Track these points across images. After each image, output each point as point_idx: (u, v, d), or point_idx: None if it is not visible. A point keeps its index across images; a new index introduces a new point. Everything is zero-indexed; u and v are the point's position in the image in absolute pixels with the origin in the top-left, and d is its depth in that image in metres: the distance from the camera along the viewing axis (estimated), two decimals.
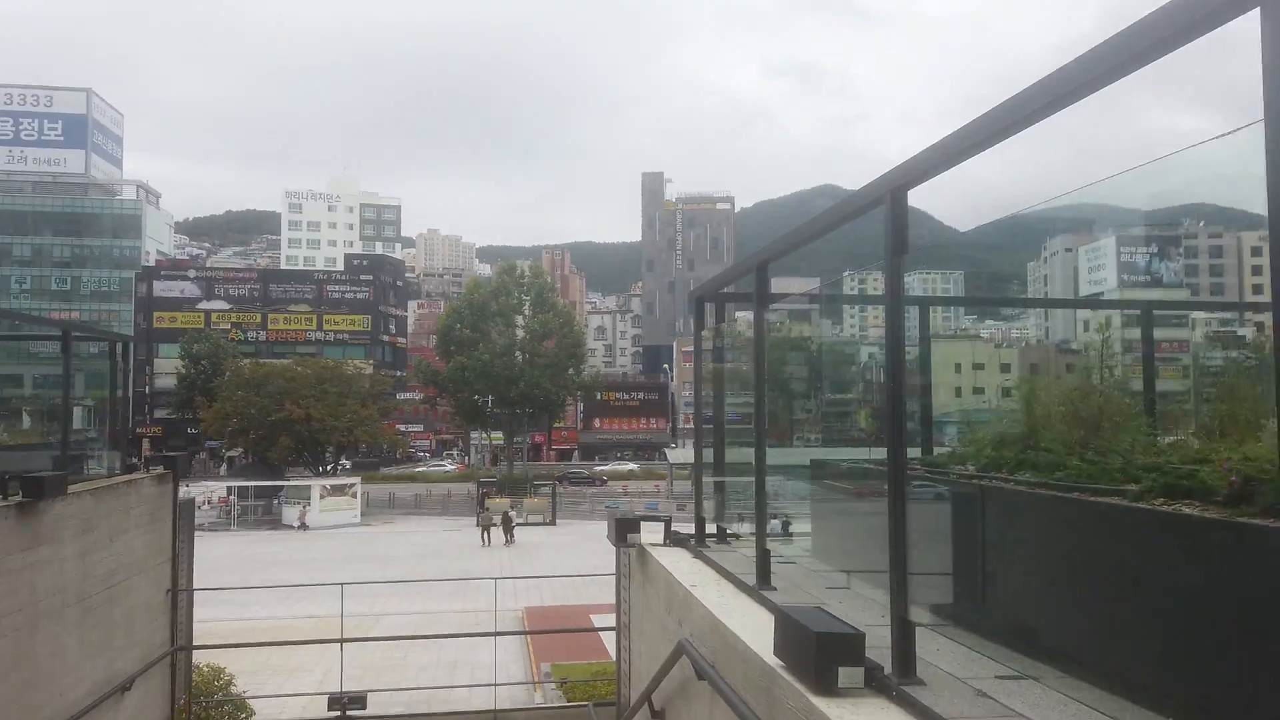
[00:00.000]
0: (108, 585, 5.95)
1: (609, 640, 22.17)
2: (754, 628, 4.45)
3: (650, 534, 8.13)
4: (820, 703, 3.33)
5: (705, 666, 4.81)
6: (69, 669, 5.61)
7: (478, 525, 43.80)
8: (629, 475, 77.61)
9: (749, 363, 6.47)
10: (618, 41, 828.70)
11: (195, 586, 7.20)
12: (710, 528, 7.50)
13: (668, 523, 7.91)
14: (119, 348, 8.09)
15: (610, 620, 23.55)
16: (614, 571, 9.24)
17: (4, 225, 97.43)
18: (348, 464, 73.54)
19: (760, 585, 5.30)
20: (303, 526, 48.30)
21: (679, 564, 6.59)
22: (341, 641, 6.80)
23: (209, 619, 25.83)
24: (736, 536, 7.15)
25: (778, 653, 3.84)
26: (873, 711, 3.25)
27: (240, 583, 32.14)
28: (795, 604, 4.14)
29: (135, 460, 7.03)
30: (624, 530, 8.15)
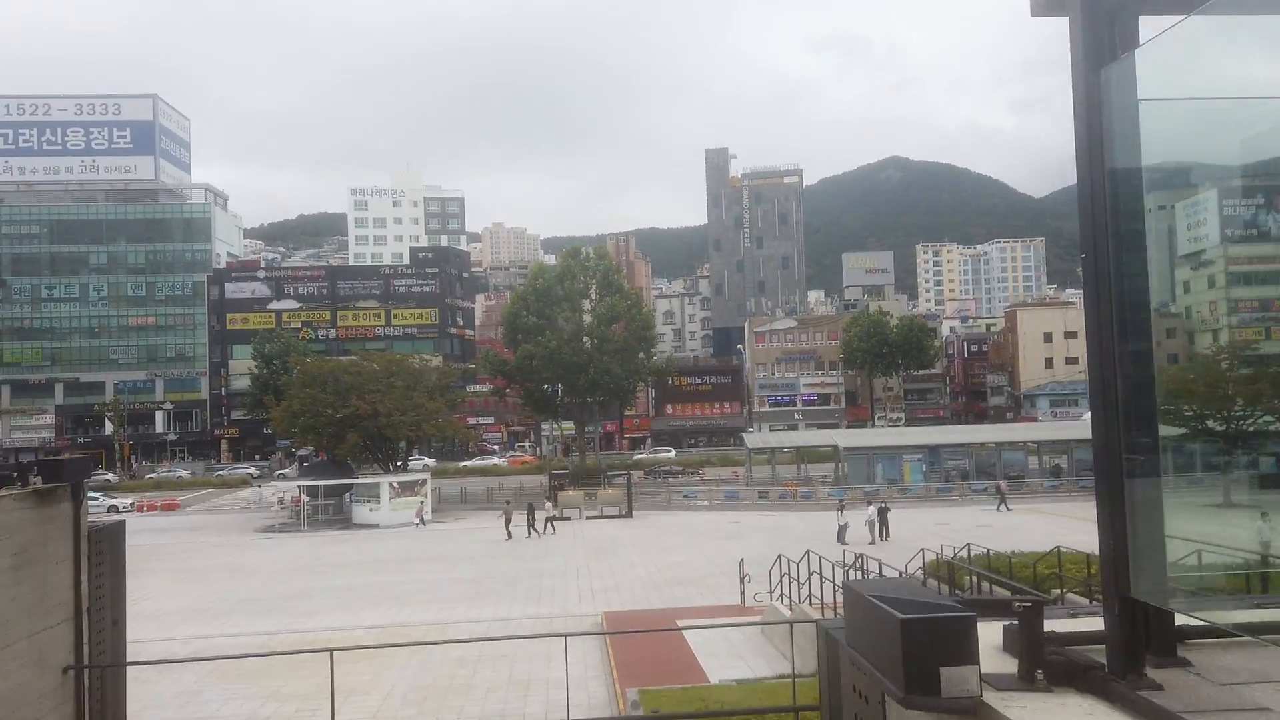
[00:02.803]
0: None
1: (701, 654, 19.65)
2: None
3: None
4: None
5: None
6: None
7: (504, 518, 41.45)
8: (700, 463, 74.93)
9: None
10: (669, 24, 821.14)
11: (128, 658, 4.76)
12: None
13: (1026, 610, 3.90)
14: None
15: (700, 629, 20.94)
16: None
17: (80, 234, 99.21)
18: (424, 460, 72.50)
19: None
20: (421, 523, 47.04)
21: None
22: (331, 651, 4.00)
23: (266, 631, 24.26)
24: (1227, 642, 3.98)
25: None
26: None
27: (302, 591, 30.58)
28: None
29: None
30: (925, 661, 3.46)
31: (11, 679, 4.03)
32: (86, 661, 4.56)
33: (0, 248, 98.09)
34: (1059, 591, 14.37)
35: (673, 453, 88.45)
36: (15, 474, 4.41)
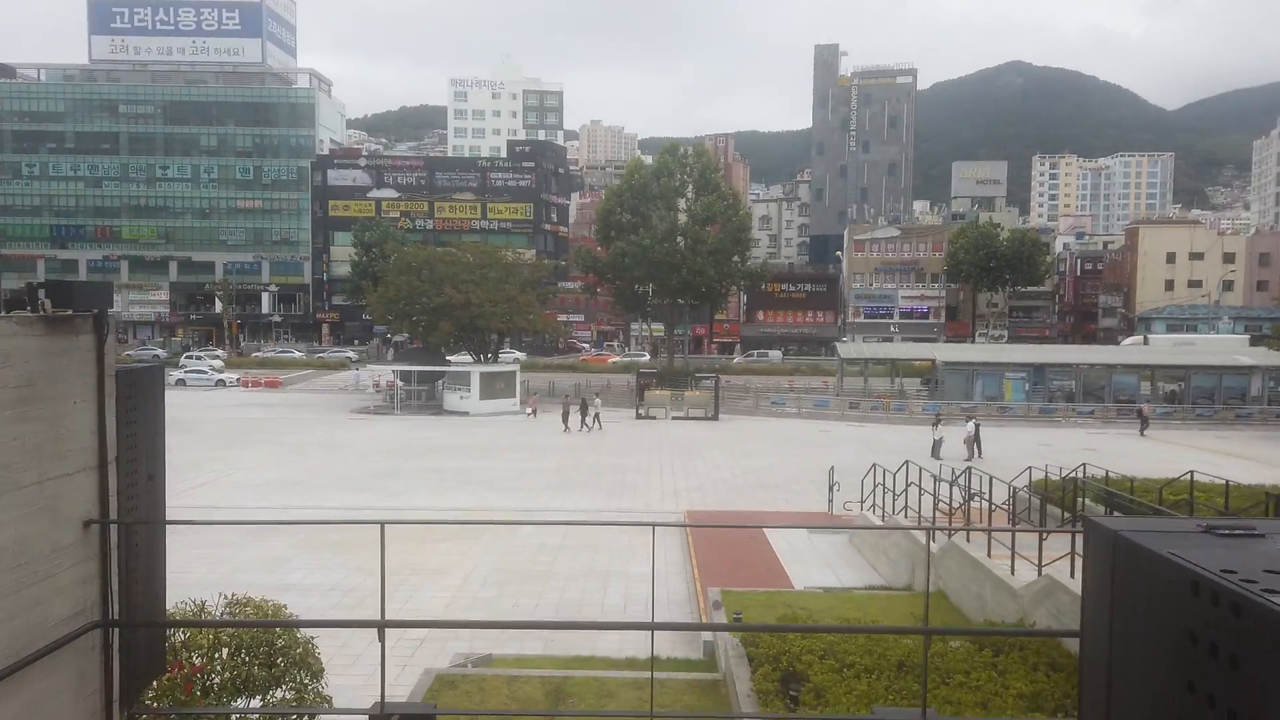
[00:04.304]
0: None
1: (786, 559, 19.09)
2: None
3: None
4: None
5: None
6: None
7: (562, 411, 43.35)
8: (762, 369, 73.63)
9: None
10: None
11: (166, 516, 4.20)
12: None
13: None
14: None
15: (787, 531, 20.29)
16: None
17: (192, 115, 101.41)
18: (515, 353, 73.25)
19: None
20: (533, 413, 48.34)
21: None
22: (382, 524, 3.24)
23: (354, 506, 24.72)
24: None
25: None
26: None
27: (391, 471, 31.16)
28: None
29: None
30: None
31: (15, 529, 3.45)
32: (113, 516, 3.96)
33: (119, 126, 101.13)
34: None
35: (779, 355, 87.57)
36: (26, 297, 3.78)
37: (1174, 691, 1.45)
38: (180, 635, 7.34)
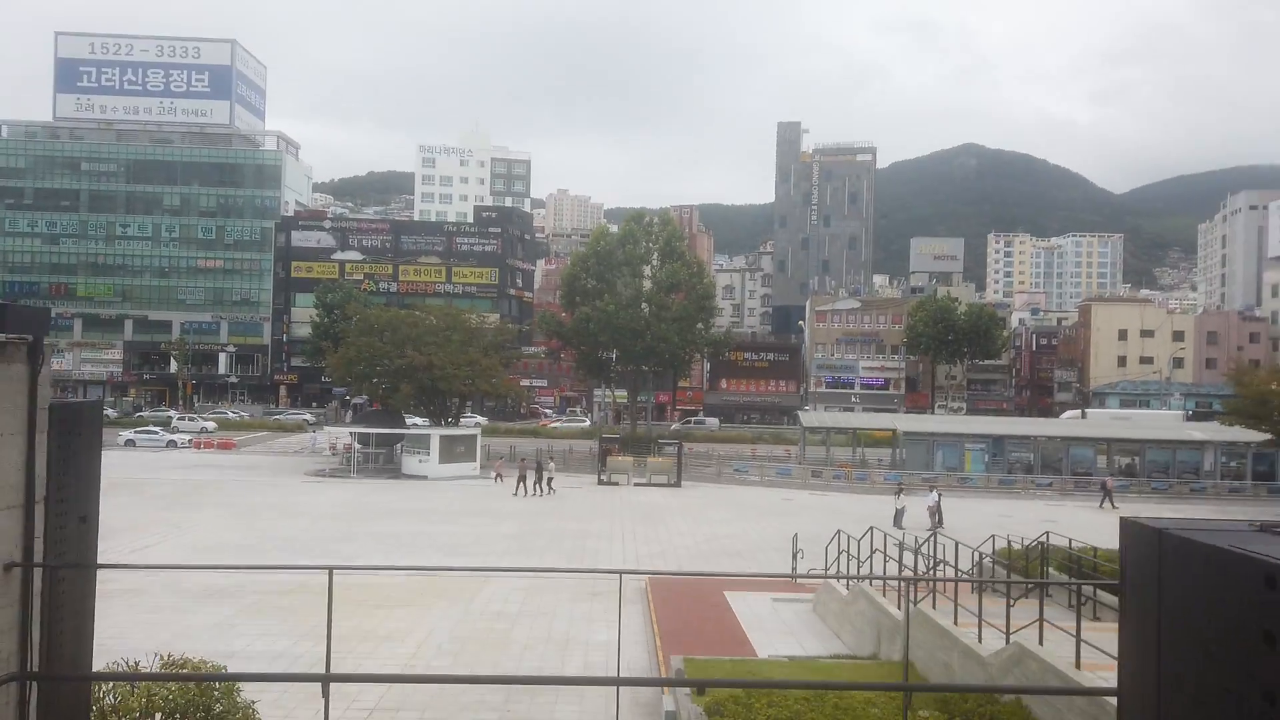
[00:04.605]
0: None
1: (749, 627, 18.69)
2: None
3: None
4: None
5: None
6: None
7: (517, 475, 42.75)
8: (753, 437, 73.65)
9: None
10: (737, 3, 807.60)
11: (97, 560, 3.94)
12: None
13: None
14: None
15: (750, 598, 19.96)
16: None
17: (156, 174, 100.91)
18: (476, 417, 72.48)
19: None
20: (498, 477, 46.35)
21: None
22: (330, 569, 3.01)
23: (306, 570, 23.81)
24: None
25: None
26: None
27: (345, 535, 30.32)
28: None
29: None
30: None
31: None
32: (38, 559, 3.67)
33: (80, 183, 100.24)
34: None
35: (716, 423, 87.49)
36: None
37: (1247, 701, 1.27)
38: (111, 699, 6.88)
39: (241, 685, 7.53)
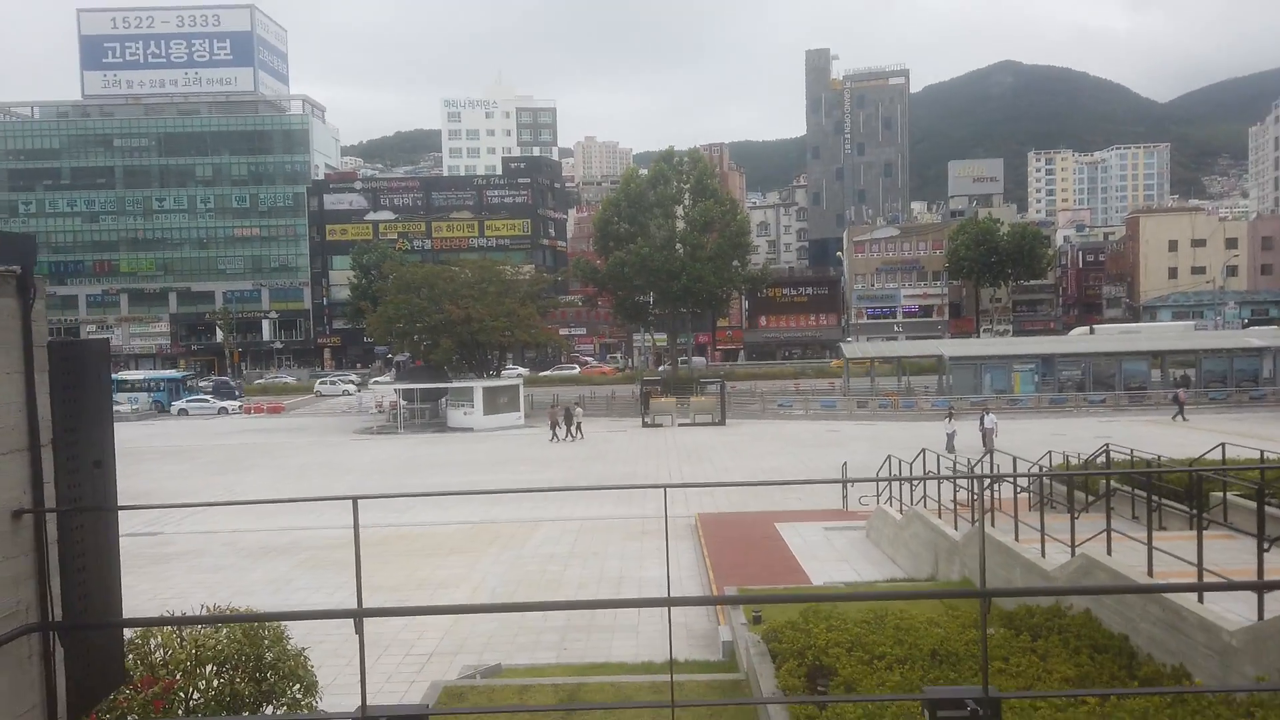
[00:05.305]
0: None
1: (802, 556, 18.52)
2: None
3: None
4: None
5: None
6: None
7: (550, 422, 43.55)
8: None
9: None
10: None
11: (118, 501, 3.72)
12: None
13: None
14: None
15: (801, 528, 19.79)
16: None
17: (187, 146, 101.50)
18: (517, 368, 72.75)
19: None
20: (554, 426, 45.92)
21: None
22: (355, 499, 2.70)
23: (352, 525, 24.14)
24: None
25: None
26: None
27: (392, 488, 30.66)
28: None
29: None
30: None
31: None
32: (50, 505, 3.45)
33: (114, 160, 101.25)
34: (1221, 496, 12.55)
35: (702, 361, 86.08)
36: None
37: None
38: (161, 654, 6.83)
39: (290, 634, 7.46)
